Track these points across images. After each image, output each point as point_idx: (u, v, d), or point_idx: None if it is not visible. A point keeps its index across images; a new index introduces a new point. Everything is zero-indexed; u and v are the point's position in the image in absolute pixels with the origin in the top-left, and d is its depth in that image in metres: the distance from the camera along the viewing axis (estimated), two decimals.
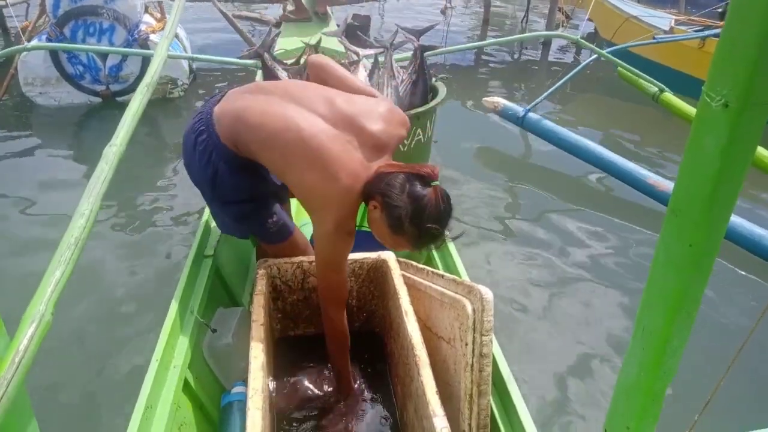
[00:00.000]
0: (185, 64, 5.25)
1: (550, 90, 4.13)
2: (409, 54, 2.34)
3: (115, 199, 3.66)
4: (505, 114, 4.43)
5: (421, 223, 1.34)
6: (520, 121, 4.28)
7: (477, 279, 1.58)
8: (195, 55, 4.53)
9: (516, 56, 7.94)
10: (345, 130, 1.46)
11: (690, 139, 0.68)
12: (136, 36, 4.91)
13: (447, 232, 1.40)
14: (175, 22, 1.26)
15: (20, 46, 3.32)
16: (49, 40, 4.79)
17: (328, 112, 1.49)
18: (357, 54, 2.19)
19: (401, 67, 2.29)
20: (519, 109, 4.31)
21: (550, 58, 7.76)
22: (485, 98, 4.60)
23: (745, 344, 0.95)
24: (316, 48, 2.22)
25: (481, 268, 3.09)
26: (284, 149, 1.45)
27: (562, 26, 8.37)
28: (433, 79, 2.33)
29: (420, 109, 2.13)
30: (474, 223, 3.57)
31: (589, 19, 9.14)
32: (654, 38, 5.01)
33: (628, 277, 3.06)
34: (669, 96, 4.11)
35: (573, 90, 6.10)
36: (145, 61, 4.96)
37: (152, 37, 4.99)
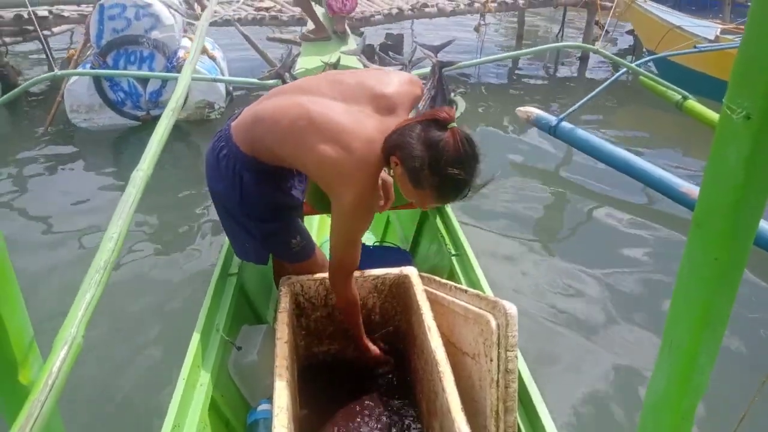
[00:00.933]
0: (222, 87, 5.40)
1: (583, 100, 4.11)
2: (428, 70, 2.36)
3: (145, 218, 3.76)
4: (538, 123, 4.44)
5: (441, 168, 1.28)
6: (553, 131, 4.28)
7: (501, 293, 1.57)
8: (217, 77, 4.64)
9: (552, 72, 7.78)
10: (355, 102, 1.45)
11: (712, 151, 0.68)
12: (175, 63, 5.09)
13: (474, 180, 1.33)
14: (198, 49, 1.29)
15: (50, 73, 3.43)
16: (92, 68, 5.04)
17: (336, 92, 1.48)
18: None
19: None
20: (552, 119, 4.31)
21: (588, 75, 7.49)
22: (519, 108, 4.62)
23: None
24: (335, 66, 2.25)
25: (505, 281, 3.07)
26: (298, 137, 1.44)
27: (600, 40, 8.24)
28: (452, 94, 2.34)
29: None
30: (501, 233, 3.56)
31: (628, 32, 9.09)
32: (695, 47, 4.92)
33: (662, 290, 3.00)
34: (693, 103, 4.05)
35: (615, 102, 5.98)
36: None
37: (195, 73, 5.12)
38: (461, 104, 2.29)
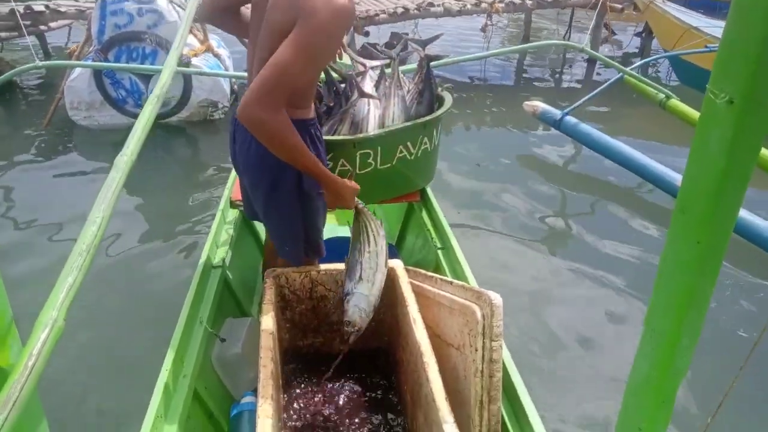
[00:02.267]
0: (227, 87, 5.33)
1: (587, 97, 4.22)
2: (415, 65, 2.36)
3: (130, 209, 3.74)
4: (543, 117, 4.56)
5: None
6: (557, 124, 4.41)
7: (486, 285, 1.58)
8: (202, 71, 4.58)
9: (558, 74, 7.77)
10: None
11: (695, 137, 0.69)
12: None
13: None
14: (183, 36, 1.28)
15: (32, 64, 3.36)
16: None
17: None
18: (364, 65, 2.21)
19: (407, 77, 2.31)
20: (557, 113, 4.44)
21: (595, 77, 7.42)
22: (526, 102, 4.73)
23: (757, 343, 0.94)
24: None
25: (494, 274, 3.09)
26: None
27: (607, 42, 8.23)
28: (439, 89, 2.34)
29: (427, 117, 2.14)
30: (496, 228, 3.60)
31: (636, 34, 9.14)
32: (706, 47, 4.99)
33: (652, 283, 3.04)
34: (676, 102, 4.11)
35: (627, 104, 5.98)
36: (187, 85, 5.06)
37: (194, 60, 5.06)
38: (448, 99, 2.29)
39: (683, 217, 0.72)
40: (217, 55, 5.44)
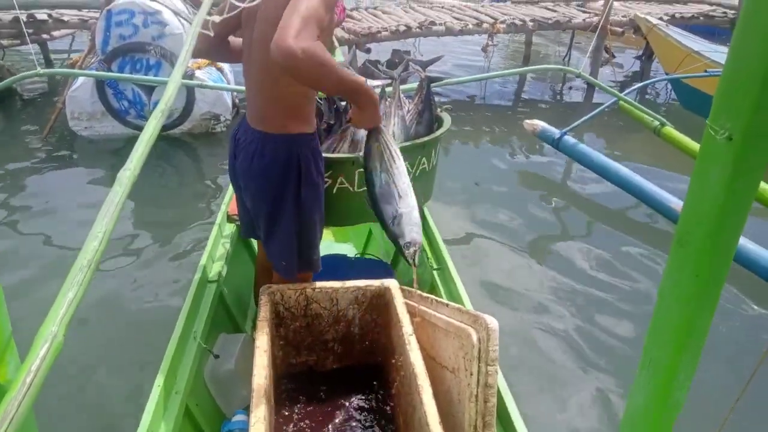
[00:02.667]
0: (228, 100, 5.34)
1: (585, 118, 4.30)
2: (415, 85, 2.38)
3: (128, 221, 3.74)
4: (542, 135, 4.63)
5: None
6: (556, 143, 4.48)
7: (482, 307, 1.58)
8: (205, 83, 4.60)
9: (559, 95, 7.82)
10: None
11: (695, 171, 0.70)
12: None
13: None
14: (188, 51, 1.29)
15: (33, 71, 3.37)
16: None
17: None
18: None
19: (407, 97, 2.33)
20: (556, 132, 4.51)
21: (595, 99, 7.43)
22: (526, 120, 4.81)
23: (757, 370, 0.94)
24: None
25: (489, 294, 3.09)
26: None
27: (607, 64, 8.30)
28: (438, 110, 2.37)
29: (425, 138, 2.15)
30: (492, 247, 3.62)
31: (636, 57, 9.25)
32: (706, 71, 5.07)
33: (647, 308, 3.05)
34: (670, 130, 4.16)
35: (626, 126, 5.98)
36: (190, 97, 5.07)
37: (198, 73, 5.07)
38: (447, 120, 2.31)
39: (682, 250, 0.73)
40: (219, 69, 5.47)
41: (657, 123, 4.22)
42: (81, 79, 5.02)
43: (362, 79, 1.57)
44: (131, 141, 4.48)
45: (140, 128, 4.91)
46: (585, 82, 7.91)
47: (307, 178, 1.64)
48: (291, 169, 1.61)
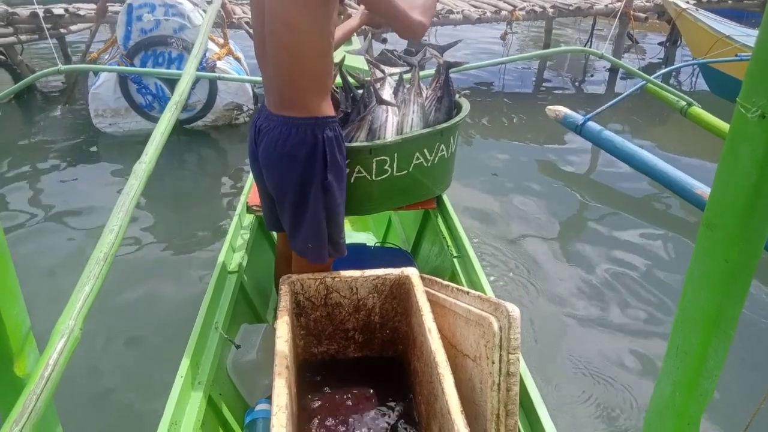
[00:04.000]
0: (250, 89, 5.33)
1: (610, 103, 4.21)
2: (432, 71, 2.35)
3: (149, 215, 3.77)
4: (565, 122, 4.56)
5: None
6: (579, 129, 4.41)
7: (503, 295, 1.56)
8: (222, 75, 4.61)
9: (579, 83, 7.67)
10: None
11: (724, 151, 0.67)
12: (204, 64, 4.97)
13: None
14: (203, 43, 1.28)
15: (54, 68, 3.41)
16: None
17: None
18: (383, 72, 2.20)
19: (424, 83, 2.30)
20: (579, 118, 4.44)
21: (618, 84, 7.34)
22: (549, 107, 4.72)
23: None
24: (339, 66, 2.24)
25: (510, 282, 3.06)
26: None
27: (631, 50, 8.10)
28: (457, 95, 2.33)
29: (444, 125, 2.12)
30: (512, 235, 3.57)
31: (660, 44, 9.03)
32: (737, 56, 4.92)
33: (670, 296, 2.99)
34: (697, 110, 4.04)
35: (650, 113, 5.92)
36: (212, 88, 5.07)
37: (219, 64, 5.06)
38: (465, 106, 2.27)
39: (710, 233, 0.69)
40: (237, 59, 5.46)
41: (684, 103, 4.10)
42: (103, 76, 5.05)
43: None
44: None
45: None
46: (607, 70, 7.73)
47: (333, 162, 1.65)
48: (317, 153, 1.62)
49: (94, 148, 5.07)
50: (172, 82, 5.09)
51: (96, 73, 5.31)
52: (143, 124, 5.22)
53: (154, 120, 5.15)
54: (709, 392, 0.75)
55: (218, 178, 4.63)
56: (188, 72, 1.22)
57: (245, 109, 5.34)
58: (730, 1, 7.95)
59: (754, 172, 0.63)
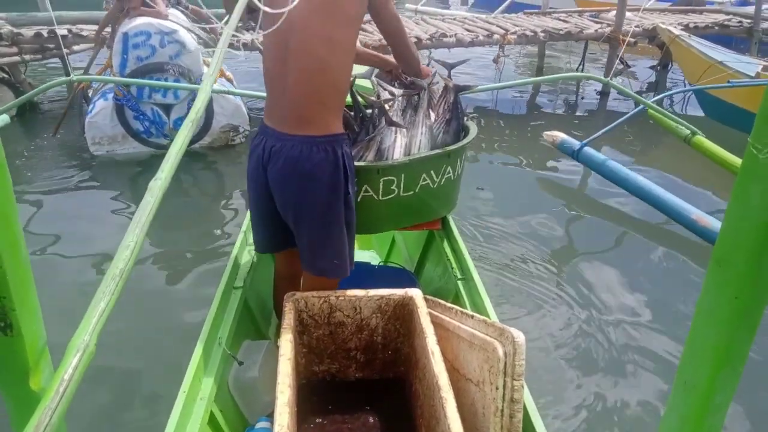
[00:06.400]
0: (245, 110, 5.38)
1: (605, 129, 4.26)
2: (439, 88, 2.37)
3: (161, 231, 3.79)
4: (562, 146, 4.62)
5: None
6: (576, 154, 4.46)
7: (506, 319, 1.56)
8: (238, 90, 4.63)
9: (572, 106, 7.72)
10: None
11: (735, 189, 0.68)
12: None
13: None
14: (219, 62, 1.30)
15: (66, 78, 3.46)
16: (116, 98, 4.93)
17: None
18: (393, 94, 2.23)
19: (432, 104, 2.32)
20: (576, 143, 4.49)
21: (609, 108, 7.39)
22: (545, 132, 4.79)
23: None
24: (351, 86, 2.27)
25: (512, 306, 3.05)
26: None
27: (622, 74, 8.20)
28: (465, 119, 2.35)
29: (452, 147, 2.14)
30: (512, 258, 3.57)
31: (651, 68, 9.16)
32: (729, 82, 5.02)
33: (676, 322, 2.98)
34: (701, 139, 4.07)
35: (647, 137, 5.95)
36: (208, 110, 5.08)
37: (215, 87, 5.08)
38: (473, 129, 2.29)
39: (720, 270, 0.70)
40: (229, 79, 5.48)
41: (688, 132, 4.13)
42: (99, 104, 5.03)
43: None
44: (151, 159, 4.57)
45: (162, 146, 4.95)
46: (598, 93, 7.83)
47: (352, 175, 1.72)
48: (339, 169, 1.66)
49: (90, 173, 4.98)
50: (166, 108, 5.09)
51: (89, 101, 5.26)
52: (141, 148, 5.20)
53: (151, 144, 5.16)
54: (717, 428, 0.76)
55: (218, 199, 4.63)
56: (204, 89, 1.24)
57: (241, 130, 5.37)
58: (716, 28, 8.08)
59: (765, 211, 0.64)
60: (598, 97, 7.80)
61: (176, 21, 4.98)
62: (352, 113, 2.24)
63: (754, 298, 0.67)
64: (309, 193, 1.67)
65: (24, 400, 0.68)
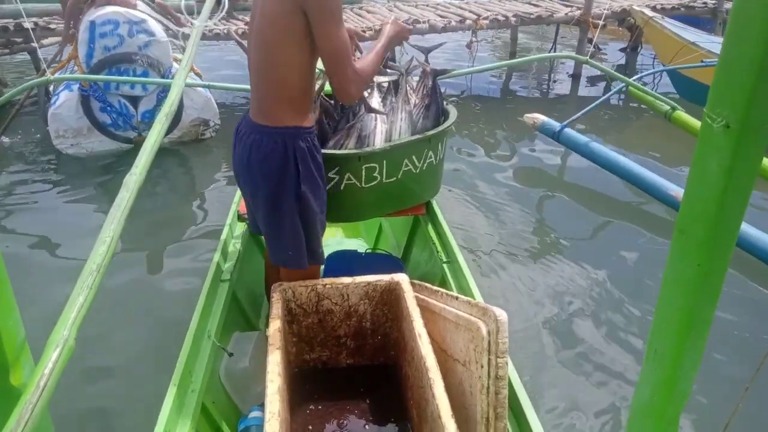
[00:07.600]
0: (215, 104, 5.28)
1: (585, 110, 4.31)
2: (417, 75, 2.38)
3: (136, 228, 3.74)
4: (543, 129, 4.65)
5: None
6: (557, 136, 4.50)
7: (492, 301, 1.59)
8: (212, 83, 4.59)
9: (545, 89, 7.78)
10: None
11: (694, 160, 0.70)
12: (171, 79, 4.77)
13: None
14: (192, 54, 1.30)
15: (43, 78, 3.41)
16: (81, 89, 4.77)
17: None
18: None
19: (411, 89, 2.33)
20: (556, 125, 4.51)
21: (581, 92, 7.45)
22: (526, 114, 4.79)
23: (762, 364, 0.94)
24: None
25: (497, 288, 3.08)
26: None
27: (593, 57, 8.24)
28: (444, 103, 2.36)
29: (431, 132, 2.15)
30: (496, 241, 3.60)
31: (621, 50, 9.21)
32: (702, 62, 5.08)
33: (653, 299, 3.02)
34: (681, 114, 4.11)
35: (611, 114, 6.01)
36: (178, 105, 4.97)
37: (187, 81, 4.97)
38: (453, 113, 2.31)
39: (683, 238, 0.72)
40: (198, 74, 5.36)
41: (668, 107, 4.17)
42: (63, 96, 4.86)
43: (380, 55, 1.81)
44: (119, 156, 4.50)
45: (129, 140, 4.82)
46: (569, 76, 7.89)
47: (307, 173, 1.67)
48: (288, 163, 1.64)
49: (56, 171, 4.81)
50: (134, 100, 4.96)
51: (53, 91, 5.06)
52: (107, 144, 5.03)
53: (118, 138, 5.00)
54: (686, 392, 0.78)
55: (193, 192, 4.58)
56: (177, 83, 1.24)
57: (211, 124, 5.28)
58: (682, 9, 8.14)
59: (721, 180, 0.65)
60: (570, 80, 7.86)
61: (145, 11, 4.85)
62: (332, 102, 2.24)
63: (714, 264, 0.69)
64: (261, 182, 1.67)
65: (5, 396, 0.69)
